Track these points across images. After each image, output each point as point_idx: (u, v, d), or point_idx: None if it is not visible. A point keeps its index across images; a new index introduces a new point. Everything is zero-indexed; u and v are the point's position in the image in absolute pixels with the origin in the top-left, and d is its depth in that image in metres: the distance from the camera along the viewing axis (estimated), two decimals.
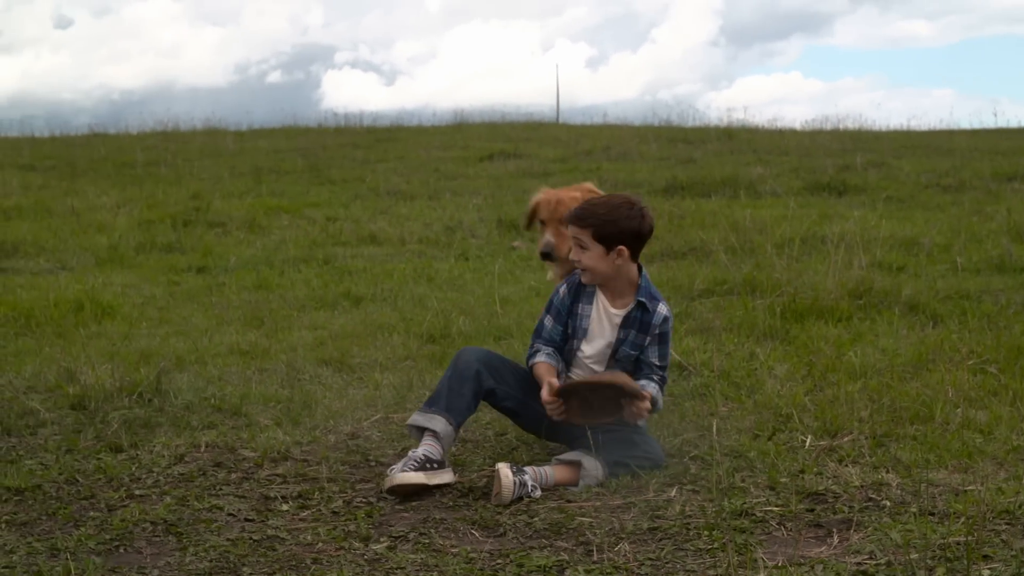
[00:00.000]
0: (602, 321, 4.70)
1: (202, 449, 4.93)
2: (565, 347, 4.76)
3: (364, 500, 4.27)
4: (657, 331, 4.68)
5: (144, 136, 26.57)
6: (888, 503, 4.01)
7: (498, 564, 3.61)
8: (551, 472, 4.36)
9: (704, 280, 8.66)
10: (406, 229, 12.70)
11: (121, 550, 3.79)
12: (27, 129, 28.36)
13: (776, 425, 5.07)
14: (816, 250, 9.96)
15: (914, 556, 3.48)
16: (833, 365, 6.04)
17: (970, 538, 3.56)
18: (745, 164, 18.04)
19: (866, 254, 8.79)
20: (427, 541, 3.83)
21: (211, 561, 3.67)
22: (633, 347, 4.65)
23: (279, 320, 7.95)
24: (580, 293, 4.73)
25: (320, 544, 3.82)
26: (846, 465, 4.47)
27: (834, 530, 3.80)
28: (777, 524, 3.88)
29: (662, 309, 4.69)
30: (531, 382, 4.77)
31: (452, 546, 3.78)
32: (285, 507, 4.20)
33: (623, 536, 3.81)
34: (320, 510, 4.17)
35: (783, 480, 4.29)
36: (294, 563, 3.64)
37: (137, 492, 4.37)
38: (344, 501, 4.26)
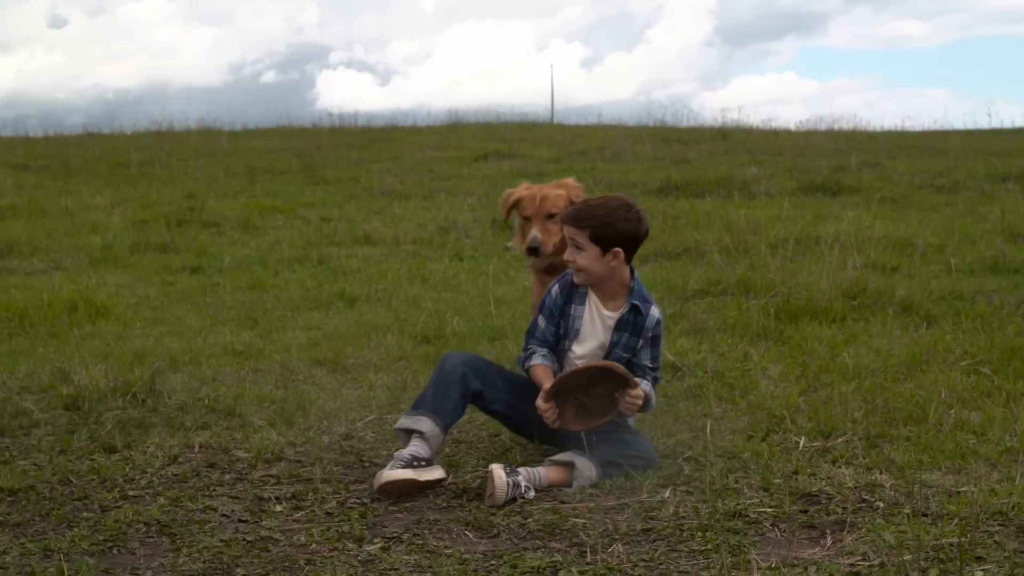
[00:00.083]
0: (594, 322, 4.70)
1: (196, 450, 4.93)
2: (557, 347, 4.76)
3: (358, 501, 4.27)
4: (650, 334, 4.68)
5: (138, 136, 26.54)
6: (881, 504, 4.02)
7: (492, 565, 3.61)
8: (544, 473, 4.36)
9: (698, 281, 8.66)
10: (400, 229, 12.70)
11: (115, 551, 3.79)
12: (21, 128, 28.33)
13: (770, 426, 5.07)
14: (810, 251, 9.97)
15: (907, 557, 3.49)
16: (827, 366, 6.04)
17: (963, 539, 3.56)
18: (739, 164, 18.05)
19: (860, 255, 8.80)
20: (421, 542, 3.83)
21: (205, 562, 3.67)
22: (626, 349, 4.66)
23: (273, 320, 7.94)
24: (572, 294, 4.73)
25: (314, 545, 3.82)
26: (840, 466, 4.48)
27: (828, 531, 3.81)
28: (771, 525, 3.88)
29: (655, 312, 4.70)
30: (520, 385, 4.77)
31: (446, 547, 3.78)
32: (279, 508, 4.20)
33: (617, 537, 3.81)
34: (314, 511, 4.16)
35: (777, 481, 4.30)
36: (288, 564, 3.64)
37: (131, 493, 4.37)
38: (338, 502, 4.26)
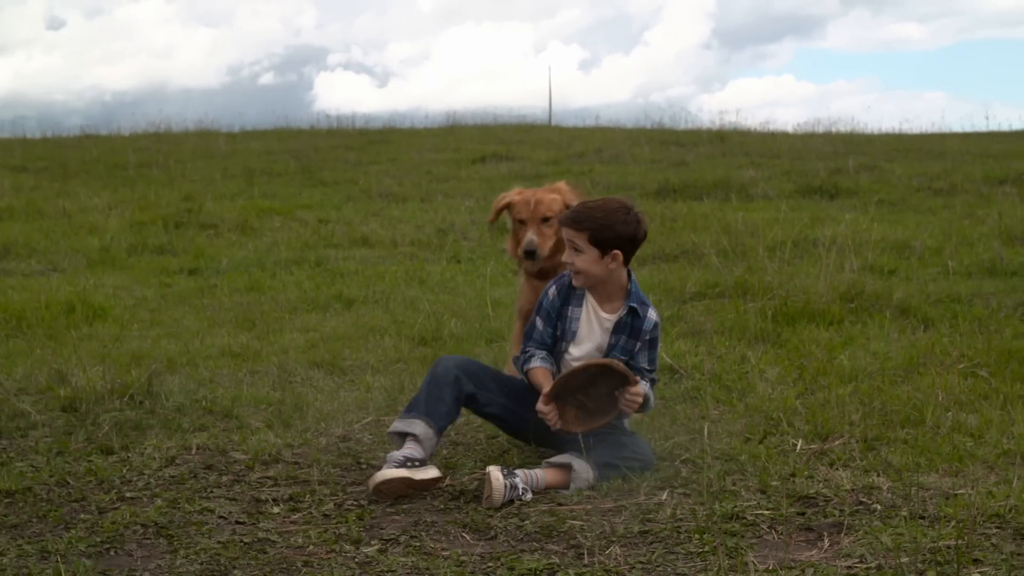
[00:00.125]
0: (592, 324, 4.70)
1: (193, 451, 4.93)
2: (554, 349, 4.76)
3: (355, 503, 4.27)
4: (647, 337, 4.68)
5: (136, 137, 26.51)
6: (879, 507, 4.02)
7: (489, 567, 3.61)
8: (542, 475, 4.36)
9: (696, 283, 8.67)
10: (398, 231, 12.70)
11: (112, 553, 3.78)
12: (19, 130, 28.28)
13: (767, 428, 5.08)
14: (808, 253, 9.97)
15: (904, 560, 3.49)
16: (824, 368, 6.05)
17: (960, 542, 3.57)
18: (737, 167, 18.05)
19: (857, 257, 8.80)
20: (418, 544, 3.83)
21: (202, 564, 3.67)
22: (623, 352, 4.66)
23: (271, 322, 7.94)
24: (570, 295, 4.73)
25: (311, 547, 3.81)
26: (837, 469, 4.48)
27: (825, 534, 3.81)
28: (768, 528, 3.89)
29: (652, 315, 4.70)
30: (515, 388, 4.78)
31: (443, 549, 3.78)
32: (276, 510, 4.20)
33: (614, 539, 3.81)
34: (311, 513, 4.16)
35: (774, 484, 4.30)
36: (285, 566, 3.64)
37: (128, 494, 4.37)
38: (335, 504, 4.26)
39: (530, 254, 5.25)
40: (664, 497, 4.21)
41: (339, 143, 24.02)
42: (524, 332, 4.84)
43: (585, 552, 3.71)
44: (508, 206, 5.45)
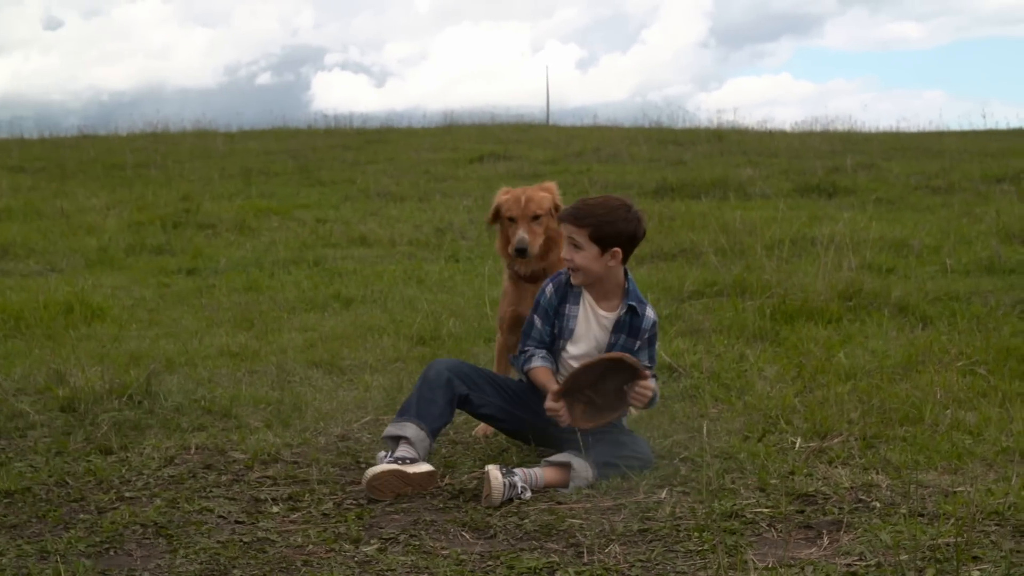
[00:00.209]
0: (589, 322, 4.70)
1: (192, 451, 4.93)
2: (552, 347, 4.76)
3: (354, 502, 4.27)
4: (647, 335, 4.69)
5: (134, 137, 26.50)
6: (878, 504, 4.02)
7: (488, 566, 3.61)
8: (541, 474, 4.36)
9: (694, 282, 8.67)
10: (396, 231, 12.70)
11: (111, 552, 3.78)
12: (16, 130, 28.27)
13: (766, 426, 5.08)
14: (806, 252, 9.98)
15: (904, 557, 3.49)
16: (823, 366, 6.05)
17: (960, 539, 3.57)
18: (735, 166, 18.06)
19: (856, 256, 8.81)
20: (417, 543, 3.82)
21: (201, 563, 3.67)
22: (622, 351, 4.65)
23: (269, 322, 7.94)
24: (567, 293, 4.73)
25: (310, 546, 3.81)
26: (836, 466, 4.48)
27: (824, 531, 3.81)
28: (767, 525, 3.89)
29: (650, 313, 4.71)
30: (511, 389, 4.78)
31: (442, 548, 3.78)
32: (275, 509, 4.20)
33: (613, 538, 3.81)
34: (310, 512, 4.16)
35: (773, 481, 4.30)
36: (284, 565, 3.64)
37: (127, 494, 4.36)
38: (334, 503, 4.26)
39: (521, 252, 5.22)
40: (663, 495, 4.21)
41: (337, 143, 24.02)
42: (522, 331, 4.83)
43: (584, 550, 3.70)
44: (499, 206, 5.42)
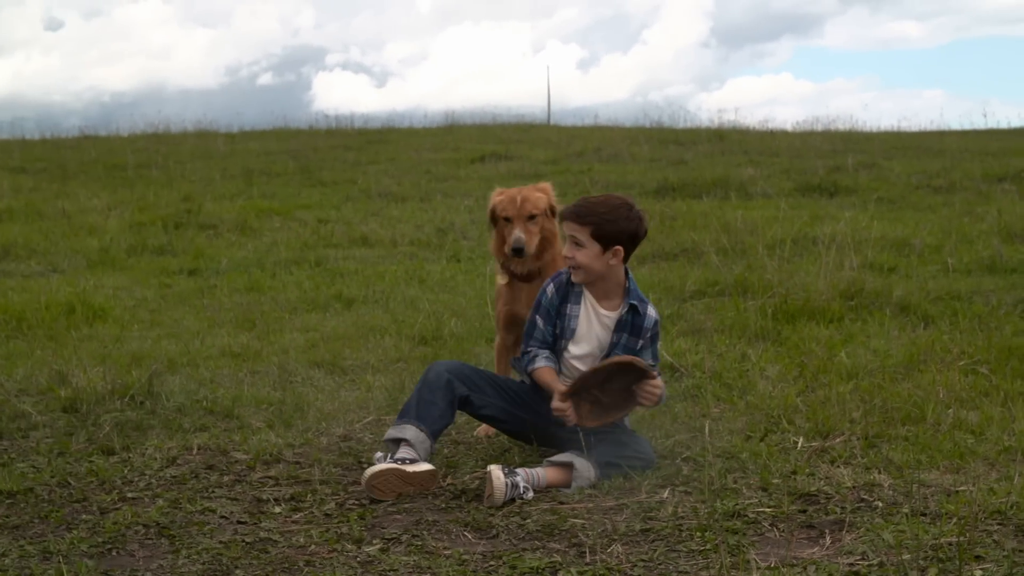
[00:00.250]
0: (591, 321, 4.70)
1: (194, 451, 4.93)
2: (554, 347, 4.76)
3: (357, 502, 4.27)
4: (649, 334, 4.69)
5: (135, 138, 26.52)
6: (880, 504, 4.02)
7: (491, 566, 3.61)
8: (543, 474, 4.36)
9: (695, 281, 8.67)
10: (397, 231, 12.70)
11: (114, 553, 3.78)
12: (17, 131, 28.31)
13: (768, 426, 5.08)
14: (807, 251, 9.98)
15: (906, 557, 3.49)
16: (825, 366, 6.05)
17: (962, 538, 3.57)
18: (736, 165, 18.06)
19: (857, 255, 8.80)
20: (420, 543, 3.82)
21: (204, 564, 3.67)
22: (625, 350, 4.65)
23: (271, 322, 7.94)
24: (568, 293, 4.73)
25: (313, 546, 3.81)
26: (838, 466, 4.48)
27: (826, 531, 3.81)
28: (769, 525, 3.88)
29: (652, 312, 4.71)
30: (512, 389, 4.78)
31: (445, 548, 3.78)
32: (278, 509, 4.20)
33: (616, 537, 3.81)
34: (313, 512, 4.16)
35: (775, 481, 4.30)
36: (287, 565, 3.64)
37: (129, 495, 4.36)
38: (337, 503, 4.26)
39: (518, 251, 5.21)
40: (666, 495, 4.21)
41: (338, 143, 24.03)
42: (524, 332, 4.82)
43: (587, 550, 3.70)
44: (492, 208, 5.41)
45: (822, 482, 4.27)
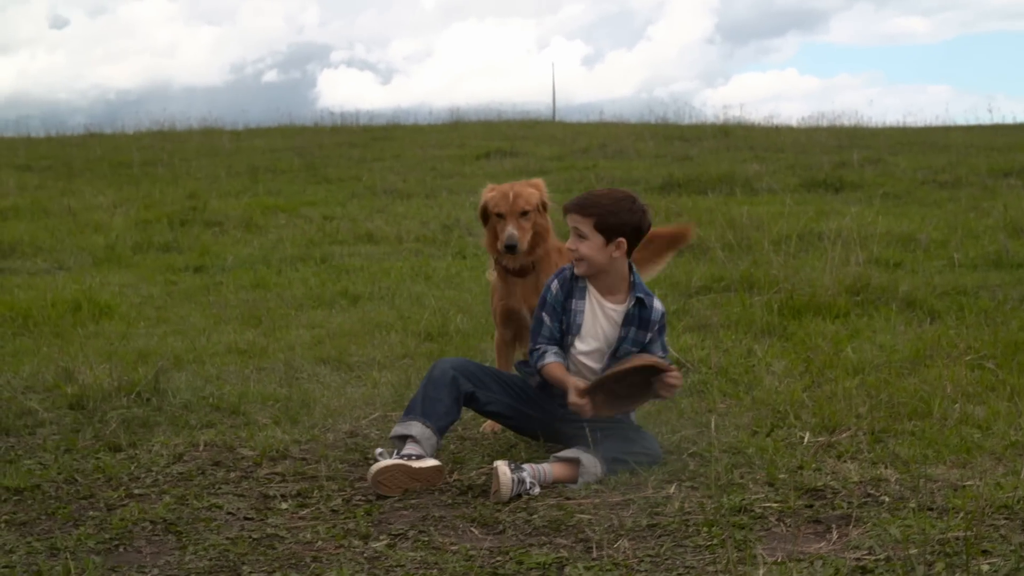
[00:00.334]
0: (596, 316, 4.70)
1: (201, 448, 4.94)
2: (561, 343, 4.76)
3: (363, 498, 4.27)
4: (656, 327, 4.69)
5: (140, 136, 26.56)
6: (887, 499, 4.02)
7: (497, 561, 3.61)
8: (549, 469, 4.36)
9: (701, 277, 8.67)
10: (403, 227, 12.70)
11: (121, 549, 3.79)
12: (23, 129, 28.37)
13: (774, 421, 5.07)
14: (813, 247, 9.97)
15: (913, 551, 3.48)
16: (831, 361, 6.04)
17: (969, 533, 3.56)
18: (741, 161, 18.05)
19: (863, 250, 8.80)
20: (426, 539, 3.83)
21: (211, 560, 3.67)
22: (634, 343, 4.66)
23: (277, 319, 7.95)
24: (572, 288, 4.73)
25: (320, 542, 3.82)
26: (844, 461, 4.47)
27: (833, 526, 3.81)
28: (776, 520, 3.88)
29: (658, 305, 4.72)
30: (517, 386, 4.78)
31: (451, 544, 3.78)
32: (284, 505, 4.20)
33: (622, 533, 3.81)
34: (319, 508, 4.17)
35: (782, 476, 4.29)
36: (294, 561, 3.64)
37: (136, 491, 4.37)
38: (343, 499, 4.26)
39: (511, 248, 5.21)
40: (672, 491, 4.21)
41: (343, 140, 24.05)
42: (531, 330, 4.81)
43: (593, 546, 3.70)
44: (485, 204, 5.41)
45: (829, 477, 4.27)
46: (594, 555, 3.63)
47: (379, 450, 4.47)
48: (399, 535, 3.87)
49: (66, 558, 3.65)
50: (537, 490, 4.25)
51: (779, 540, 3.71)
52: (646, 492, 4.21)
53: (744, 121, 27.26)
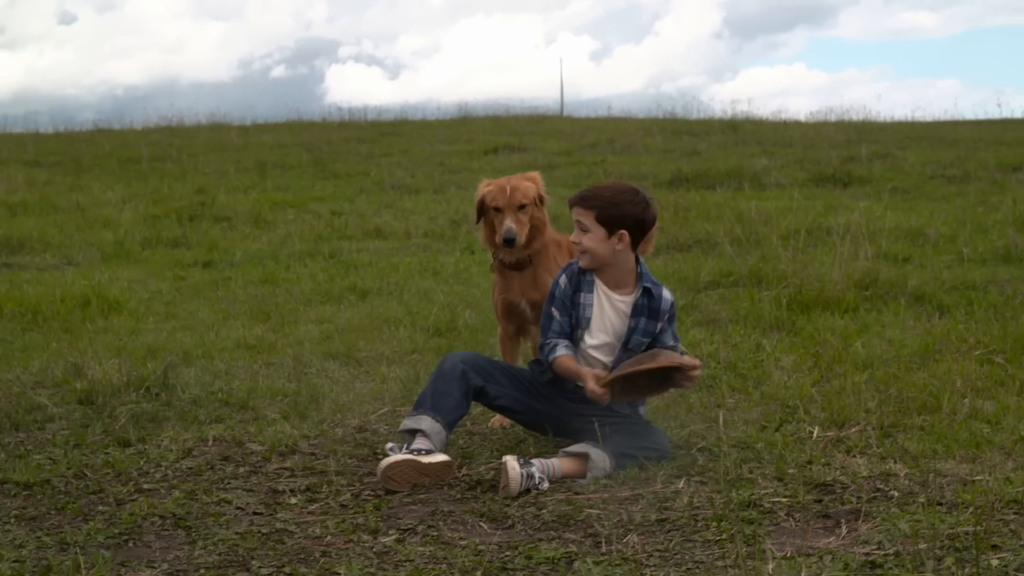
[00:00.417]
0: (604, 309, 4.70)
1: (210, 443, 4.94)
2: (571, 337, 4.76)
3: (372, 493, 4.28)
4: (667, 316, 4.70)
5: (148, 131, 26.57)
6: (896, 493, 4.01)
7: (507, 556, 3.61)
8: (558, 464, 4.36)
9: (710, 272, 8.66)
10: (411, 223, 12.71)
11: (130, 544, 3.79)
12: (31, 125, 28.41)
13: (783, 416, 5.07)
14: (821, 241, 9.96)
15: (923, 546, 3.48)
16: (840, 356, 6.04)
17: (979, 528, 3.56)
18: (750, 156, 18.04)
19: (872, 245, 8.78)
20: (436, 533, 3.83)
21: (220, 555, 3.68)
22: (645, 334, 4.66)
23: (285, 314, 7.96)
24: (580, 282, 4.73)
25: (329, 537, 3.82)
26: (854, 456, 4.47)
27: (842, 521, 3.80)
28: (785, 515, 3.88)
29: (666, 294, 4.73)
30: (526, 380, 4.78)
31: (460, 538, 3.78)
32: (293, 500, 4.21)
33: (631, 528, 3.81)
34: (328, 503, 4.17)
35: (791, 471, 4.29)
36: (303, 556, 3.65)
37: (145, 486, 4.38)
38: (352, 494, 4.27)
39: (509, 241, 5.21)
40: (681, 485, 4.21)
41: (351, 135, 24.05)
42: (541, 326, 4.81)
43: (603, 540, 3.70)
44: (482, 199, 5.41)
45: (838, 472, 4.26)
46: (603, 550, 3.63)
47: (389, 445, 4.48)
48: (408, 530, 3.87)
49: (75, 553, 3.65)
50: (546, 485, 4.25)
51: (788, 535, 3.71)
52: (655, 487, 4.21)
53: (752, 116, 27.24)
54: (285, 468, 4.60)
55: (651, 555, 3.57)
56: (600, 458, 4.36)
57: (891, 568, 3.35)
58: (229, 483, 4.42)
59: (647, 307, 4.67)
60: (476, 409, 5.13)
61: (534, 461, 4.29)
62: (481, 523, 3.95)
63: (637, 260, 4.72)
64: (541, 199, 5.29)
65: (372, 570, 3.52)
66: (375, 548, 3.71)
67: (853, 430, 4.79)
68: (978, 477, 4.13)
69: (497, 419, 5.17)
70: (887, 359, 5.98)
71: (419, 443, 4.40)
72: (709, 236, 10.44)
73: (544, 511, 4.01)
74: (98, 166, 19.66)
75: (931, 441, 4.59)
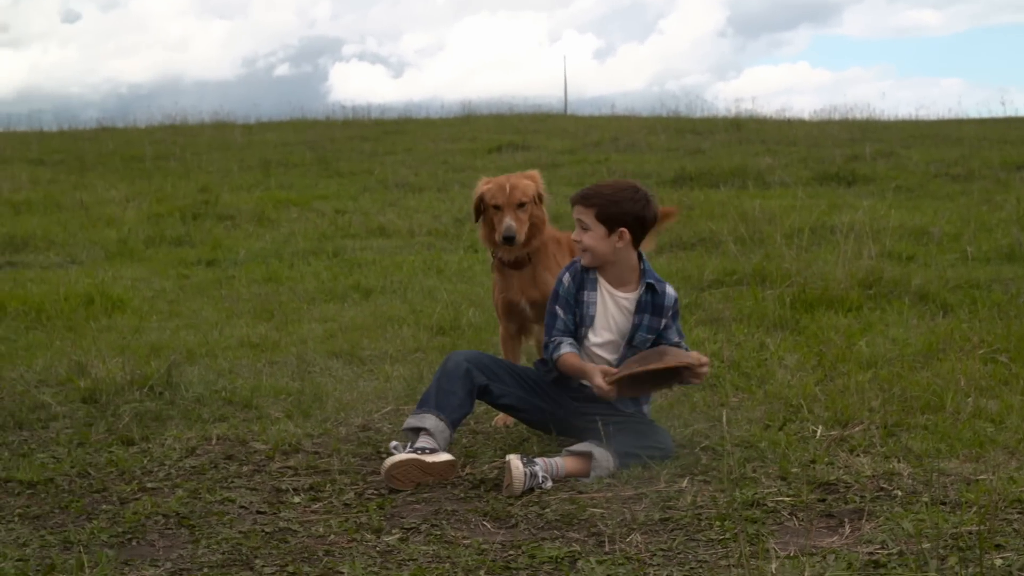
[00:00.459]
0: (607, 307, 4.70)
1: (213, 442, 4.94)
2: (576, 336, 4.76)
3: (376, 492, 4.28)
4: (671, 312, 4.70)
5: (152, 130, 26.57)
6: (900, 493, 4.01)
7: (510, 555, 3.61)
8: (562, 463, 4.36)
9: (713, 271, 8.66)
10: (415, 221, 12.71)
11: (134, 543, 3.79)
12: (35, 123, 28.39)
13: (787, 415, 5.07)
14: (825, 240, 9.96)
15: (926, 545, 3.48)
16: (843, 355, 6.03)
17: (982, 527, 3.56)
18: (754, 154, 18.03)
19: (875, 244, 8.78)
20: (439, 532, 3.83)
21: (223, 553, 3.68)
22: (649, 331, 4.66)
23: (289, 313, 7.96)
24: (584, 280, 4.73)
25: (332, 536, 3.82)
26: (857, 455, 4.47)
27: (846, 520, 3.80)
28: (789, 514, 3.88)
29: (670, 290, 4.73)
30: (530, 379, 4.78)
31: (464, 537, 3.78)
32: (297, 499, 4.21)
33: (635, 527, 3.81)
34: (332, 502, 4.17)
35: (794, 470, 4.29)
36: (306, 555, 3.65)
37: (149, 485, 4.38)
38: (356, 493, 4.27)
39: (509, 239, 5.20)
40: (684, 485, 4.21)
41: (355, 134, 24.04)
42: (545, 324, 4.81)
43: (606, 539, 3.70)
44: (481, 195, 5.40)
45: (841, 471, 4.26)
46: (606, 549, 3.63)
47: (394, 443, 4.48)
48: (411, 529, 3.88)
49: (79, 551, 3.66)
50: (549, 484, 4.25)
51: (792, 534, 3.71)
52: (658, 486, 4.21)
53: (756, 114, 27.20)
54: (289, 467, 4.60)
55: (654, 554, 3.56)
56: (604, 457, 4.36)
57: (894, 567, 3.35)
58: (233, 482, 4.42)
59: (651, 304, 4.67)
60: (480, 408, 5.13)
61: (538, 460, 4.28)
62: (484, 522, 3.94)
63: (640, 257, 4.72)
64: (540, 197, 5.29)
65: (375, 569, 3.52)
66: (378, 547, 3.71)
67: (857, 429, 4.79)
68: (982, 476, 4.13)
69: (501, 418, 5.17)
70: (891, 358, 5.97)
71: (423, 442, 4.40)
72: (713, 235, 10.44)
73: (548, 510, 4.01)
74: (102, 164, 19.67)
75: (935, 440, 4.58)
